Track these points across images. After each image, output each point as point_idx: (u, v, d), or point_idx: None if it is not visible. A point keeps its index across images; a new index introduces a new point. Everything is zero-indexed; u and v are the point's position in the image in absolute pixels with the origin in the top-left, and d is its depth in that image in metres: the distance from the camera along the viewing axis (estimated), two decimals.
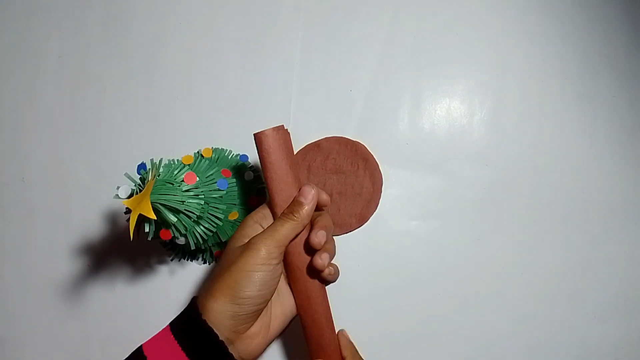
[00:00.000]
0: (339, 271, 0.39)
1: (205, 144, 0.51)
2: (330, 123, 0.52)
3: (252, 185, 0.49)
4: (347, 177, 0.50)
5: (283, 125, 0.37)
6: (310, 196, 0.37)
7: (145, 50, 0.55)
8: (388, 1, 0.53)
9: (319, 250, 0.37)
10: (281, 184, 0.37)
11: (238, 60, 0.53)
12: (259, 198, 0.49)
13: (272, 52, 0.53)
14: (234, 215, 0.44)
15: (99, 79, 0.55)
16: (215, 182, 0.41)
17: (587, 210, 0.50)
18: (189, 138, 0.53)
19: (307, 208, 0.37)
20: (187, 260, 0.50)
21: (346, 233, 0.50)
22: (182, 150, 0.52)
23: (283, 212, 0.37)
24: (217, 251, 0.49)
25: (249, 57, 0.53)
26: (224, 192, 0.41)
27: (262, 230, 0.36)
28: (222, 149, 0.50)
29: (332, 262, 0.39)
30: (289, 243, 0.37)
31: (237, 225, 0.47)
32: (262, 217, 0.38)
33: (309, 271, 0.38)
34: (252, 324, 0.35)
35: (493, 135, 0.51)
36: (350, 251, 0.50)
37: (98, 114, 0.54)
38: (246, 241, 0.36)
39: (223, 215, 0.41)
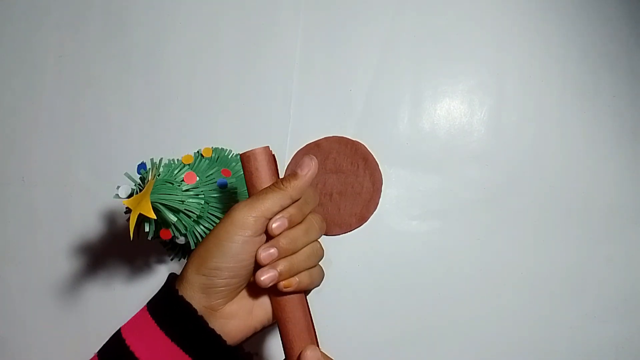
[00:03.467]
0: (316, 276, 0.34)
1: (205, 144, 0.51)
2: (330, 123, 0.52)
3: None
4: (347, 177, 0.50)
5: (268, 147, 0.34)
6: (307, 169, 0.33)
7: (145, 50, 0.55)
8: (388, 1, 0.53)
9: (264, 265, 0.31)
10: None
11: (238, 60, 0.53)
12: None
13: (272, 52, 0.53)
14: None
15: (99, 79, 0.55)
16: (215, 182, 0.41)
17: (587, 211, 0.50)
18: (189, 138, 0.53)
19: (300, 180, 0.32)
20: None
21: (346, 233, 0.50)
22: (182, 150, 0.52)
23: (274, 182, 0.33)
24: None
25: (249, 57, 0.53)
26: (224, 192, 0.41)
27: None
28: (222, 149, 0.50)
29: (313, 266, 0.34)
30: (272, 217, 0.32)
31: None
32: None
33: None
34: (227, 302, 0.32)
35: (493, 135, 0.51)
36: (350, 251, 0.50)
37: (98, 114, 0.54)
38: None
39: (223, 215, 0.41)
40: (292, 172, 0.33)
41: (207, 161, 0.44)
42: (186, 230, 0.38)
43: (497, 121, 0.51)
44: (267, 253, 0.31)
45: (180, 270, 0.32)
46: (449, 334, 0.49)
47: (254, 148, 0.33)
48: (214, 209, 0.40)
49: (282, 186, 0.32)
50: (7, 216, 0.54)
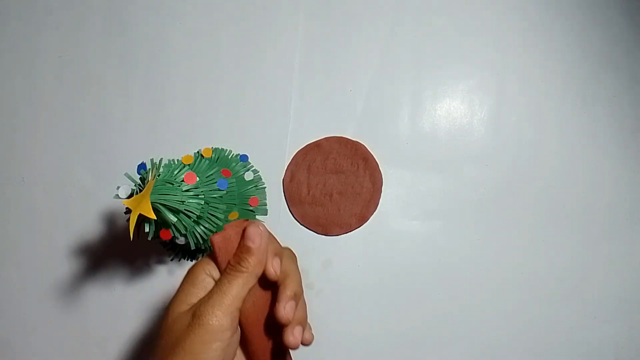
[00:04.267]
0: (312, 335, 0.33)
1: (205, 144, 0.51)
2: (330, 123, 0.52)
3: (252, 185, 0.49)
4: (347, 177, 0.50)
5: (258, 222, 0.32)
6: (257, 238, 0.30)
7: (145, 51, 0.54)
8: (388, 1, 0.53)
9: (288, 325, 0.30)
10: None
11: (238, 60, 0.53)
12: (259, 198, 0.49)
13: (272, 52, 0.53)
14: (234, 215, 0.44)
15: (99, 79, 0.55)
16: (215, 182, 0.41)
17: (587, 211, 0.50)
18: (189, 138, 0.53)
19: (257, 254, 0.30)
20: (187, 260, 0.50)
21: (346, 233, 0.50)
22: (182, 150, 0.52)
23: (229, 264, 0.30)
24: None
25: (249, 57, 0.53)
26: (224, 192, 0.41)
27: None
28: (222, 149, 0.50)
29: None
30: (244, 303, 0.30)
31: None
32: (214, 267, 0.31)
33: (271, 336, 0.32)
34: None
35: (493, 135, 0.51)
36: (350, 251, 0.50)
37: (98, 114, 0.54)
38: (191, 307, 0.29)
39: (223, 215, 0.41)
40: (244, 247, 0.30)
41: (207, 161, 0.44)
42: (186, 230, 0.38)
43: (497, 121, 0.51)
44: (298, 334, 0.30)
45: None
46: (449, 334, 0.49)
47: (217, 234, 0.31)
48: (213, 209, 0.40)
49: (241, 268, 0.29)
50: (7, 216, 0.54)
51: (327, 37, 0.53)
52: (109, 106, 0.54)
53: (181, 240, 0.39)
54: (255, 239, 0.30)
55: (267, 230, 0.31)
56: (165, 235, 0.38)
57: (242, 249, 0.30)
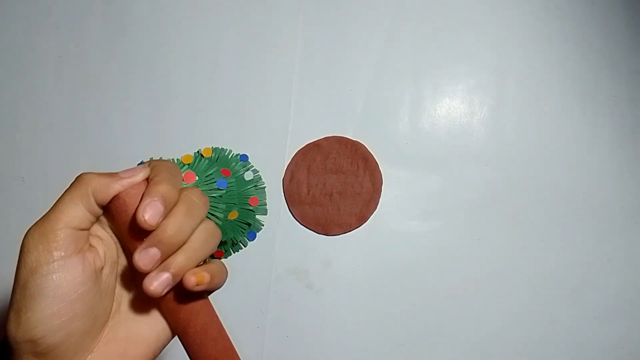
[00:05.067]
0: (222, 269, 0.26)
1: (205, 144, 0.51)
2: (330, 123, 0.52)
3: (251, 184, 0.49)
4: (347, 177, 0.50)
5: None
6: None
7: (145, 50, 0.55)
8: (388, 1, 0.53)
9: (145, 249, 0.23)
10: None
11: (238, 60, 0.53)
12: (259, 198, 0.49)
13: (272, 52, 0.53)
14: (234, 215, 0.44)
15: (99, 79, 0.55)
16: (215, 182, 0.41)
17: (587, 210, 0.50)
18: (189, 138, 0.53)
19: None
20: None
21: (346, 233, 0.50)
22: (182, 150, 0.52)
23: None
24: (217, 251, 0.48)
25: (249, 57, 0.53)
26: (224, 191, 0.41)
27: None
28: (222, 149, 0.50)
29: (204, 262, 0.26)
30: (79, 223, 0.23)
31: (237, 224, 0.47)
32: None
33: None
34: (86, 350, 0.24)
35: (493, 135, 0.51)
36: (350, 251, 0.50)
37: (98, 114, 0.54)
38: None
39: (223, 215, 0.41)
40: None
41: (207, 161, 0.44)
42: None
43: (497, 121, 0.51)
44: (147, 256, 0.23)
45: None
46: (449, 334, 0.49)
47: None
48: (213, 208, 0.40)
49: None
50: (7, 216, 0.54)
51: (327, 37, 0.53)
52: (109, 106, 0.54)
53: None
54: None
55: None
56: None
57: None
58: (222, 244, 0.47)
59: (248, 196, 0.47)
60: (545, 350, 0.48)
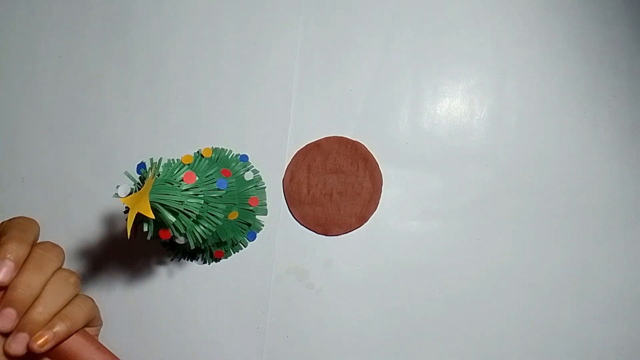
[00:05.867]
0: (81, 308, 0.26)
1: (205, 144, 0.51)
2: (330, 123, 0.52)
3: (252, 185, 0.49)
4: (347, 177, 0.50)
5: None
6: None
7: (145, 50, 0.55)
8: (388, 1, 0.53)
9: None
10: None
11: (238, 60, 0.53)
12: (259, 198, 0.49)
13: (272, 52, 0.53)
14: (234, 215, 0.44)
15: (99, 79, 0.55)
16: (215, 182, 0.41)
17: (587, 210, 0.50)
18: (189, 138, 0.53)
19: None
20: (187, 260, 0.50)
21: (346, 233, 0.50)
22: (182, 150, 0.52)
23: None
24: (217, 251, 0.49)
25: (249, 57, 0.53)
26: (224, 191, 0.41)
27: None
28: (222, 149, 0.50)
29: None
30: None
31: (237, 225, 0.47)
32: None
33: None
34: None
35: (493, 135, 0.51)
36: (350, 251, 0.50)
37: (98, 114, 0.54)
38: None
39: (222, 215, 0.41)
40: None
41: (207, 161, 0.44)
42: (185, 230, 0.38)
43: (497, 121, 0.51)
44: (5, 317, 0.23)
45: None
46: (449, 334, 0.49)
47: None
48: (213, 208, 0.40)
49: None
50: (7, 216, 0.54)
51: (327, 37, 0.53)
52: (109, 106, 0.54)
53: (181, 240, 0.40)
54: None
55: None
56: (165, 235, 0.38)
57: None
58: (222, 244, 0.47)
59: (248, 196, 0.47)
60: (545, 350, 0.48)
